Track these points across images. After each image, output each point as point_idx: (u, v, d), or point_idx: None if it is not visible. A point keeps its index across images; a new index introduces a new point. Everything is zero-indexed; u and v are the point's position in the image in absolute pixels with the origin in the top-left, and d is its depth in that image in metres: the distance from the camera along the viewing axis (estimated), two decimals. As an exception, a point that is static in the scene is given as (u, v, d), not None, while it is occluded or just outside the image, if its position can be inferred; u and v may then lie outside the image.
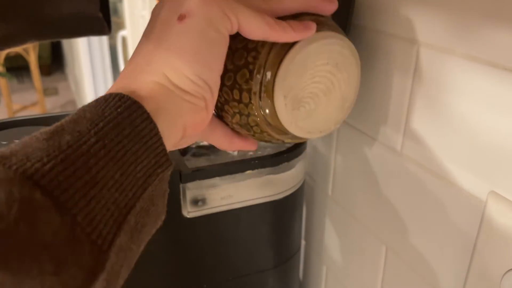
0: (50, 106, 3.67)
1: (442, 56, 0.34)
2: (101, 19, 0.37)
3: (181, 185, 0.40)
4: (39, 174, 0.21)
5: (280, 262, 0.49)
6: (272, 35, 0.30)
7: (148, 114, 0.25)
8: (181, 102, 0.28)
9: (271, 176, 0.43)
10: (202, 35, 0.28)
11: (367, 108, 0.43)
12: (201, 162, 0.45)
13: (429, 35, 0.34)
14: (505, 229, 0.30)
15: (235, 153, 0.46)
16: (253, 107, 0.32)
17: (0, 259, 0.19)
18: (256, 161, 0.42)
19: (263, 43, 0.31)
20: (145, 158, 0.25)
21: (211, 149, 0.47)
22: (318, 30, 0.32)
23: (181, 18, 0.28)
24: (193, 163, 0.44)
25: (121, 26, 2.18)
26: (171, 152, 0.42)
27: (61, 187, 0.21)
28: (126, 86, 0.27)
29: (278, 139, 0.35)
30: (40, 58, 3.76)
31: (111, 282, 0.23)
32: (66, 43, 3.64)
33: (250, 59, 0.31)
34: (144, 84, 0.27)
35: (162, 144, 0.26)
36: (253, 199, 0.43)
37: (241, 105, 0.33)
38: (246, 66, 0.32)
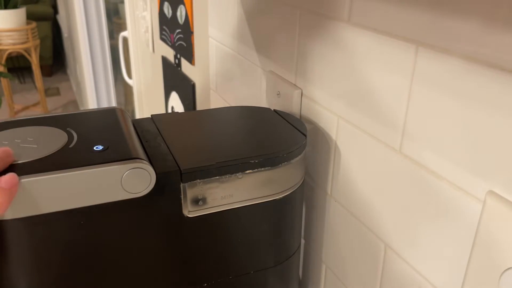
0: (52, 106, 3.67)
1: (441, 56, 0.34)
2: None
3: (181, 185, 0.40)
4: None
5: (280, 260, 0.49)
6: None
7: None
8: None
9: (271, 176, 0.44)
10: None
11: (367, 107, 0.43)
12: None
13: (429, 35, 0.35)
14: (503, 228, 0.30)
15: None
16: None
17: None
18: (256, 161, 0.42)
19: None
20: None
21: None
22: None
23: None
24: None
25: (122, 27, 2.18)
26: (170, 153, 0.42)
27: None
28: None
29: None
30: (41, 58, 3.76)
31: None
32: (67, 43, 3.64)
33: None
34: None
35: None
36: (253, 199, 0.44)
37: None
38: None
